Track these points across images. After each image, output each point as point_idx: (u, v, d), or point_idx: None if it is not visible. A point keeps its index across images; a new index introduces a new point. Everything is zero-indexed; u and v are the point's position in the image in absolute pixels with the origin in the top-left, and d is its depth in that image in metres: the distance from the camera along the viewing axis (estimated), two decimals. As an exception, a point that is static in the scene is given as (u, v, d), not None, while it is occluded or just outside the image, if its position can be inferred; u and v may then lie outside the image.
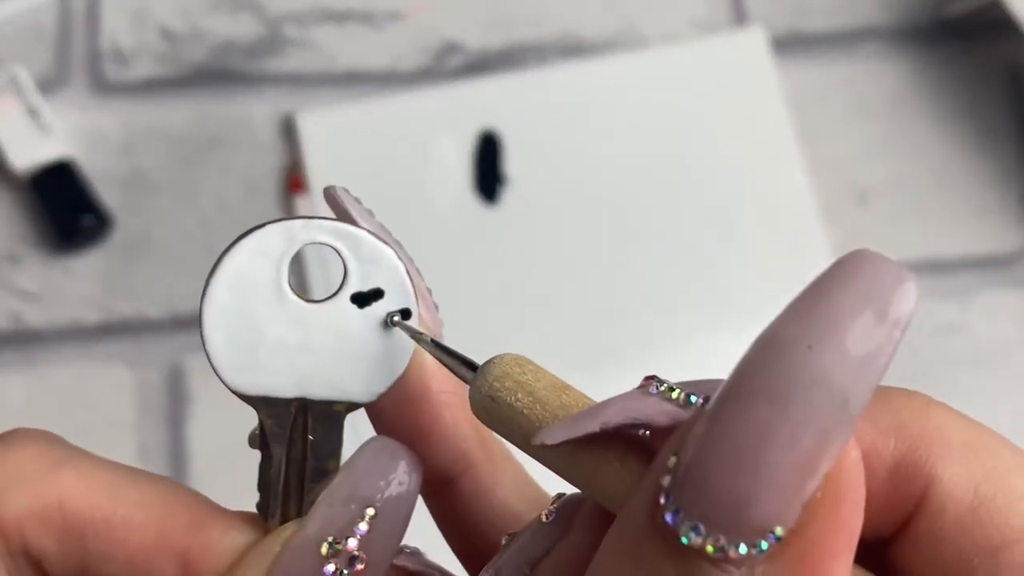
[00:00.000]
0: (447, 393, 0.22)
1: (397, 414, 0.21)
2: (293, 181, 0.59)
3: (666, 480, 0.15)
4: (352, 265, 0.21)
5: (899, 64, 0.63)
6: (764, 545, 0.15)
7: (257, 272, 0.21)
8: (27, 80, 0.59)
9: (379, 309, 0.21)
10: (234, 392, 0.21)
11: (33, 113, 0.58)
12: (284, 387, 0.21)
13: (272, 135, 0.60)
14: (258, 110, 0.60)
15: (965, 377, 0.58)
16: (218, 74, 0.61)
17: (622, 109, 0.61)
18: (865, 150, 0.61)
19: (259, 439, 0.21)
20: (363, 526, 0.19)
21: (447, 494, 0.22)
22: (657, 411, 0.17)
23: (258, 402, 0.21)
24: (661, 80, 0.61)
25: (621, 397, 0.18)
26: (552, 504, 0.20)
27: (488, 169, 0.59)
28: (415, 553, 0.21)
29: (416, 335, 0.21)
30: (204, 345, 0.21)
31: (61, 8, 0.62)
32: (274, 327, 0.21)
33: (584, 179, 0.59)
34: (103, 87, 0.60)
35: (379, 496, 0.19)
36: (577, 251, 0.58)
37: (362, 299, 0.21)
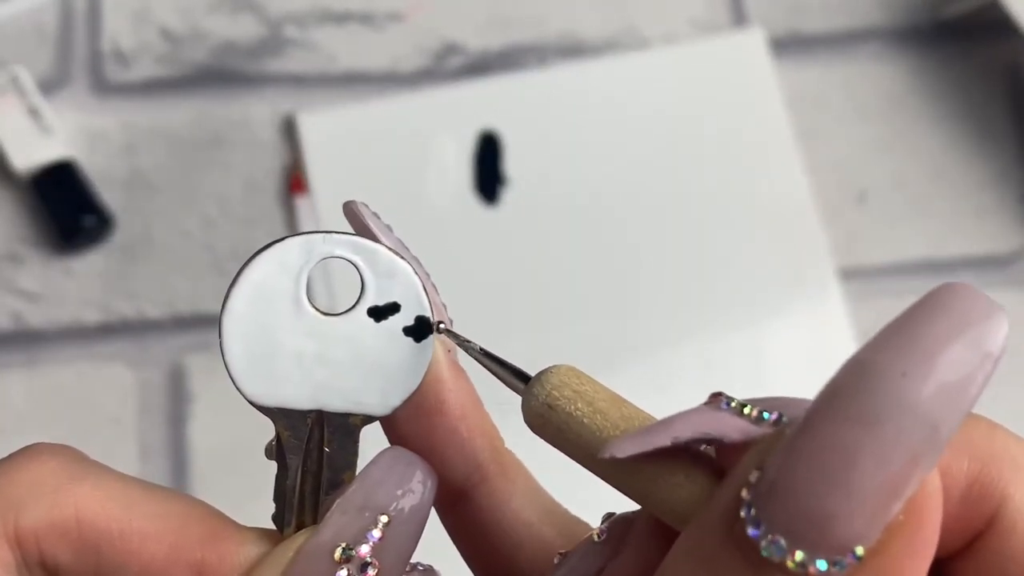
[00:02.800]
0: (462, 406, 0.22)
1: (413, 427, 0.22)
2: (293, 181, 0.59)
3: (747, 494, 0.16)
4: (369, 279, 0.21)
5: (898, 64, 0.63)
6: (844, 563, 0.15)
7: (276, 285, 0.21)
8: (28, 80, 0.59)
9: (395, 323, 0.21)
10: (251, 403, 0.21)
11: (34, 113, 0.58)
12: (301, 399, 0.21)
13: (272, 135, 0.60)
14: (258, 110, 0.61)
15: (964, 377, 0.58)
16: (219, 75, 0.61)
17: (622, 110, 0.61)
18: (864, 150, 0.62)
19: (275, 450, 0.21)
20: (376, 533, 0.19)
21: (461, 506, 0.23)
22: (731, 427, 0.17)
23: (275, 413, 0.21)
24: (660, 81, 0.61)
25: (690, 412, 0.18)
26: (602, 523, 0.20)
27: (488, 169, 0.59)
28: (428, 571, 0.21)
29: (464, 343, 0.21)
30: (223, 356, 0.21)
31: (62, 8, 0.62)
32: (292, 339, 0.21)
33: (584, 179, 0.60)
34: (104, 87, 0.61)
35: (393, 504, 0.19)
36: (576, 251, 0.58)
37: (378, 313, 0.21)
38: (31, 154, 0.58)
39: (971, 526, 0.18)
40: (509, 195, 0.59)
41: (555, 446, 0.19)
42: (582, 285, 0.58)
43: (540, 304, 0.57)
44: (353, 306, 0.21)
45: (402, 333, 0.21)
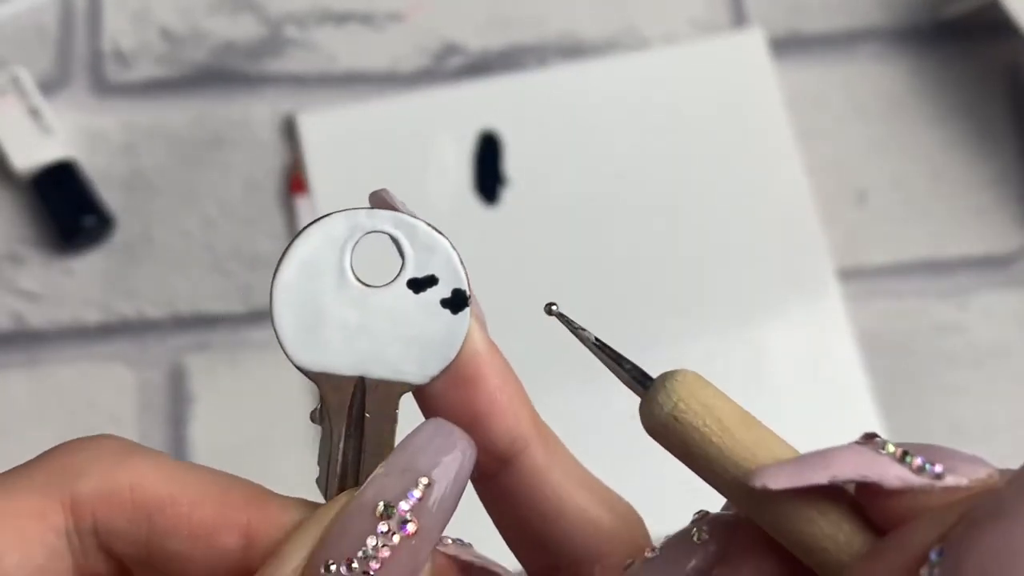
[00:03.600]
0: (500, 376, 0.23)
1: (453, 398, 0.22)
2: (294, 181, 0.59)
3: (927, 570, 0.16)
4: (409, 253, 0.22)
5: (898, 64, 0.63)
6: None
7: (323, 257, 0.22)
8: (28, 81, 0.59)
9: (433, 295, 0.22)
10: (299, 368, 0.22)
11: (34, 114, 0.58)
12: (344, 365, 0.22)
13: (273, 136, 0.60)
14: (259, 111, 0.61)
15: (963, 377, 0.58)
16: (219, 75, 0.61)
17: (621, 110, 0.61)
18: (864, 150, 0.62)
19: (320, 415, 0.22)
20: (416, 492, 0.20)
21: (503, 475, 0.23)
22: (892, 474, 0.17)
23: (320, 378, 0.22)
24: (661, 81, 0.61)
25: (847, 450, 0.18)
26: (694, 521, 0.20)
27: (488, 170, 0.60)
28: (468, 546, 0.22)
29: (578, 330, 0.22)
30: (273, 324, 0.22)
31: (62, 9, 0.62)
32: (337, 309, 0.22)
33: (584, 179, 0.60)
34: (104, 88, 0.61)
35: (434, 468, 0.20)
36: (576, 251, 0.58)
37: (418, 285, 0.22)
38: (31, 154, 0.58)
39: None
40: (509, 195, 0.59)
41: (676, 456, 0.19)
42: (581, 285, 0.58)
43: (539, 304, 0.57)
44: (394, 279, 0.22)
45: (439, 305, 0.22)
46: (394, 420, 0.22)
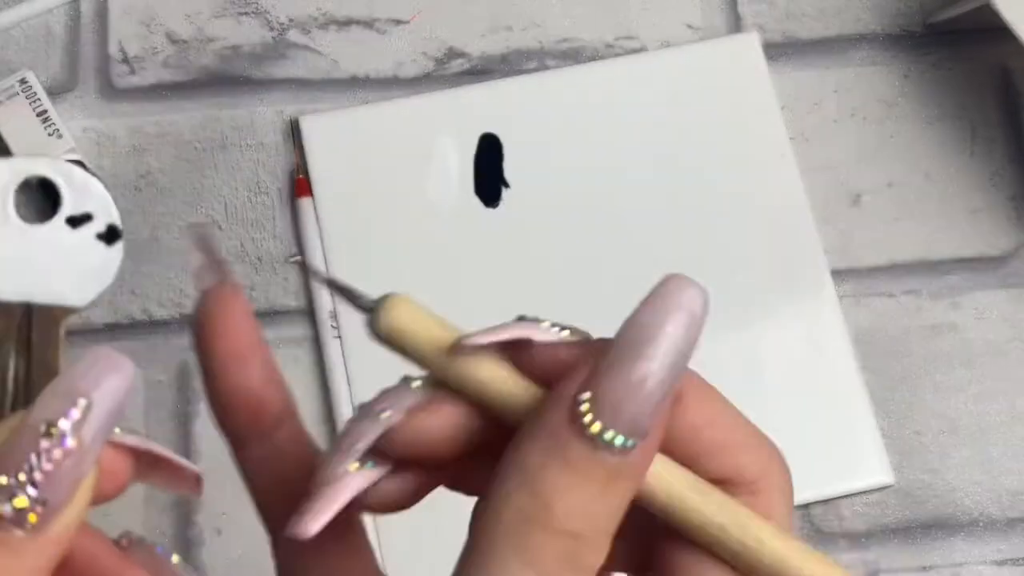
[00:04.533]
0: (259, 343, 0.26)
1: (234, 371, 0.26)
2: (298, 184, 0.60)
3: (587, 404, 0.22)
4: (66, 193, 0.24)
5: (891, 68, 0.64)
6: (632, 442, 0.23)
7: None
8: (37, 85, 0.60)
9: (89, 230, 0.24)
10: None
11: (43, 117, 0.59)
12: (11, 293, 0.24)
13: (277, 139, 0.61)
14: (263, 114, 0.61)
15: (955, 376, 0.59)
16: (224, 79, 0.62)
17: (619, 113, 0.61)
18: (858, 153, 0.62)
19: None
20: (76, 412, 0.23)
21: (272, 438, 0.26)
22: (545, 334, 0.25)
23: None
24: (658, 85, 0.62)
25: (512, 323, 0.25)
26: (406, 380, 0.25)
27: (489, 172, 0.60)
28: (142, 437, 0.25)
29: (313, 271, 0.25)
30: None
31: (70, 14, 0.63)
32: (1, 246, 0.24)
33: (583, 182, 0.60)
34: (112, 92, 0.61)
35: (94, 390, 0.23)
36: (577, 254, 0.59)
37: (74, 221, 0.24)
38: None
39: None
40: (509, 198, 0.60)
41: (402, 355, 0.25)
42: (581, 286, 0.58)
43: (539, 306, 0.57)
44: (52, 217, 0.24)
45: (95, 238, 0.24)
46: (58, 341, 0.24)
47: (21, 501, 0.22)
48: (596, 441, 0.22)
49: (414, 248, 0.59)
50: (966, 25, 0.63)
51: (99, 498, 0.24)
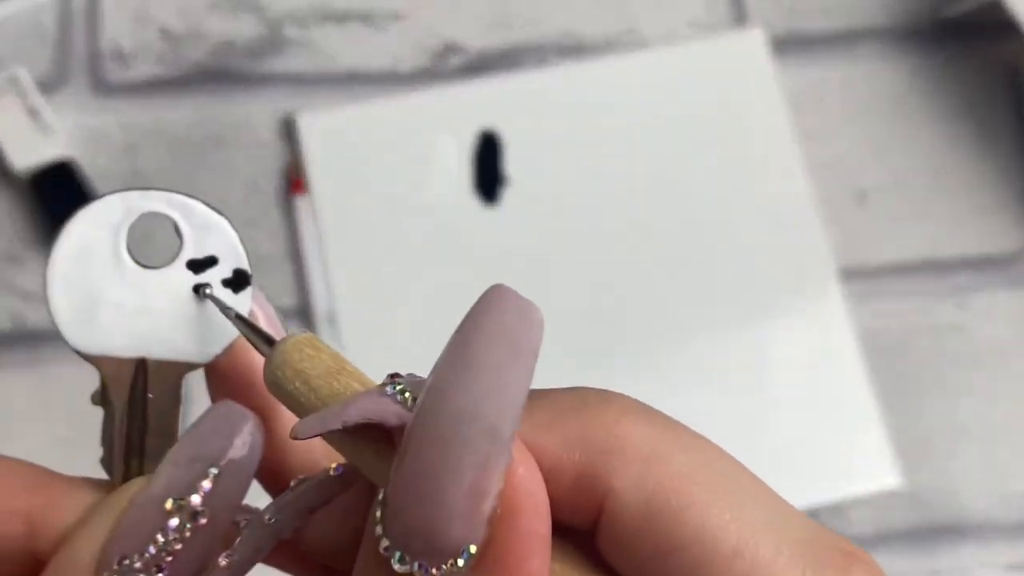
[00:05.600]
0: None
1: (239, 381, 0.23)
2: (294, 181, 0.59)
3: (379, 512, 0.18)
4: (187, 233, 0.23)
5: (898, 64, 0.63)
6: (461, 562, 0.18)
7: (97, 241, 0.22)
8: (28, 80, 0.59)
9: (214, 275, 0.22)
10: (76, 351, 0.22)
11: (33, 113, 0.58)
12: (124, 347, 0.22)
13: (272, 135, 0.60)
14: (259, 110, 0.61)
15: (963, 377, 0.58)
16: (218, 74, 0.61)
17: (621, 109, 0.61)
18: (865, 150, 0.62)
19: (101, 396, 0.22)
20: (207, 484, 0.20)
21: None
22: (390, 412, 0.19)
23: (99, 360, 0.22)
24: (661, 80, 0.61)
25: (363, 396, 0.20)
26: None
27: (488, 169, 0.60)
28: (253, 511, 0.23)
29: (223, 308, 0.22)
30: (49, 308, 0.22)
31: (61, 8, 0.62)
32: (113, 291, 0.22)
33: (584, 179, 0.60)
34: (103, 87, 0.61)
35: (223, 456, 0.20)
36: (576, 251, 0.58)
37: (197, 266, 0.22)
38: (31, 154, 0.58)
39: (588, 513, 0.20)
40: (509, 194, 0.59)
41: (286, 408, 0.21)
42: (582, 284, 0.58)
43: (539, 304, 0.57)
44: (172, 259, 0.22)
45: (221, 285, 0.22)
46: (178, 400, 0.22)
47: None
48: (391, 571, 0.18)
49: (412, 246, 0.58)
50: (975, 21, 0.63)
51: None
